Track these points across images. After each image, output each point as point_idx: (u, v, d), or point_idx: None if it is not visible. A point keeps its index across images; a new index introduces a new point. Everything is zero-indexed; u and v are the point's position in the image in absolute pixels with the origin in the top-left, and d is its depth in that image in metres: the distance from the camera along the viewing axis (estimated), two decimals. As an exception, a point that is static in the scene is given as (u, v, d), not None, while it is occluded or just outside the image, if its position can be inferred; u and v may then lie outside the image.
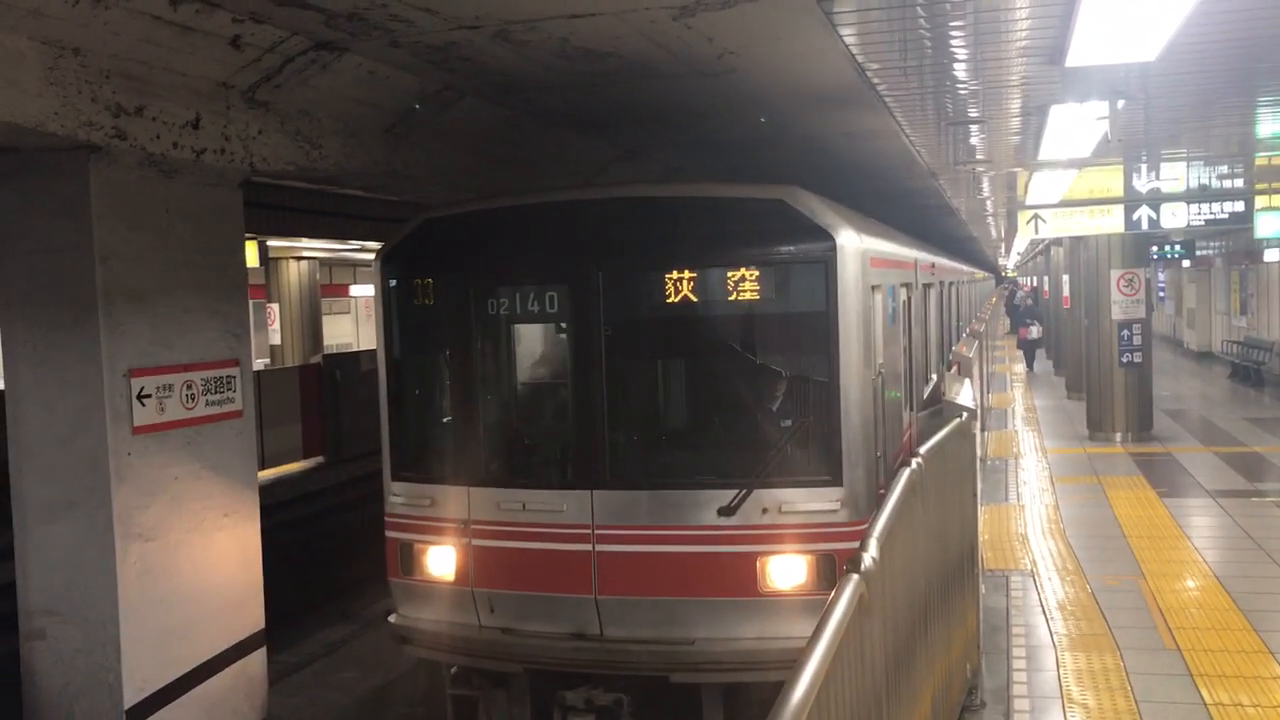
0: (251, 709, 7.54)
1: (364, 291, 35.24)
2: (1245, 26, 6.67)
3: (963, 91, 8.19)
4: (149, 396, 6.66)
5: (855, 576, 3.28)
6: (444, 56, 7.27)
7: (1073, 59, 6.63)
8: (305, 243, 23.67)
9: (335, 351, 28.00)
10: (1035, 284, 50.50)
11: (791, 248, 6.65)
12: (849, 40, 6.43)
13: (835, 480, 6.54)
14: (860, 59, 6.88)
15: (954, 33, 6.45)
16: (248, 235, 16.62)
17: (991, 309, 32.78)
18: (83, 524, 6.49)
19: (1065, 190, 15.49)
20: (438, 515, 7.08)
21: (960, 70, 7.43)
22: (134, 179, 6.52)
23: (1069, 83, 7.91)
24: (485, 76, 7.95)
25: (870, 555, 3.43)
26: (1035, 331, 30.50)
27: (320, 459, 14.31)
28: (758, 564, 6.50)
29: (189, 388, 6.99)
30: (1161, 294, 40.02)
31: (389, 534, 7.32)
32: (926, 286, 11.79)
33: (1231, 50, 7.32)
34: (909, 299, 9.53)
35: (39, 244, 6.46)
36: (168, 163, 6.54)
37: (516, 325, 7.60)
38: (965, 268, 25.70)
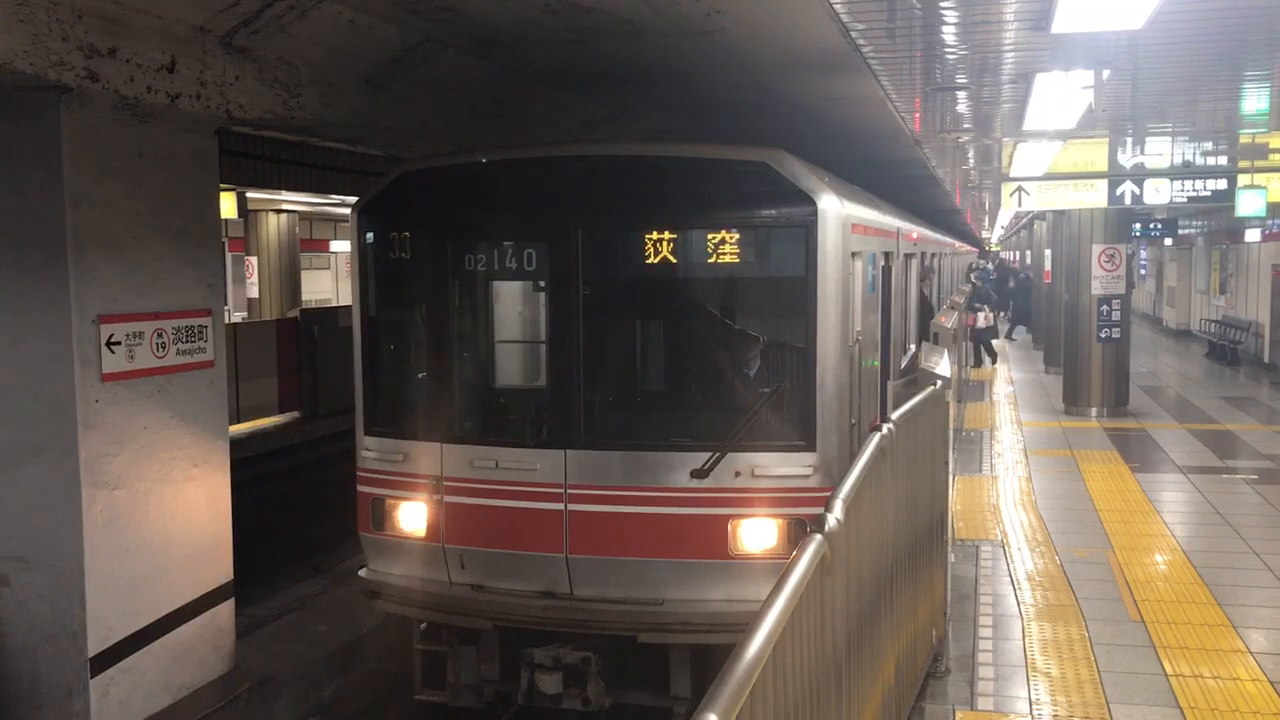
0: (219, 659, 7.54)
1: (344, 247, 34.96)
2: (1234, -1, 6.63)
3: (949, 56, 8.12)
4: (119, 344, 6.58)
5: (818, 537, 3.26)
6: (425, 6, 7.15)
7: (1059, 25, 6.57)
8: (285, 196, 23.41)
9: (314, 306, 27.81)
10: (1018, 257, 50.49)
11: (773, 211, 6.61)
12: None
13: (809, 445, 6.54)
14: (846, 19, 6.81)
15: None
16: (226, 186, 16.48)
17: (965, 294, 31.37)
18: (49, 470, 6.42)
19: (1050, 163, 15.46)
20: (410, 471, 7.06)
21: (947, 34, 7.36)
22: (107, 122, 6.40)
23: (1055, 50, 7.85)
24: (467, 29, 7.83)
25: (835, 516, 3.42)
26: (982, 319, 24.01)
27: (296, 414, 14.23)
28: (729, 527, 6.50)
29: (160, 336, 6.91)
30: (1143, 271, 40.16)
31: (360, 489, 7.30)
32: (908, 256, 11.77)
33: (1220, 22, 7.27)
34: (889, 268, 9.50)
35: (8, 185, 6.34)
36: (141, 107, 6.43)
37: (493, 282, 7.54)
38: (947, 239, 25.67)
